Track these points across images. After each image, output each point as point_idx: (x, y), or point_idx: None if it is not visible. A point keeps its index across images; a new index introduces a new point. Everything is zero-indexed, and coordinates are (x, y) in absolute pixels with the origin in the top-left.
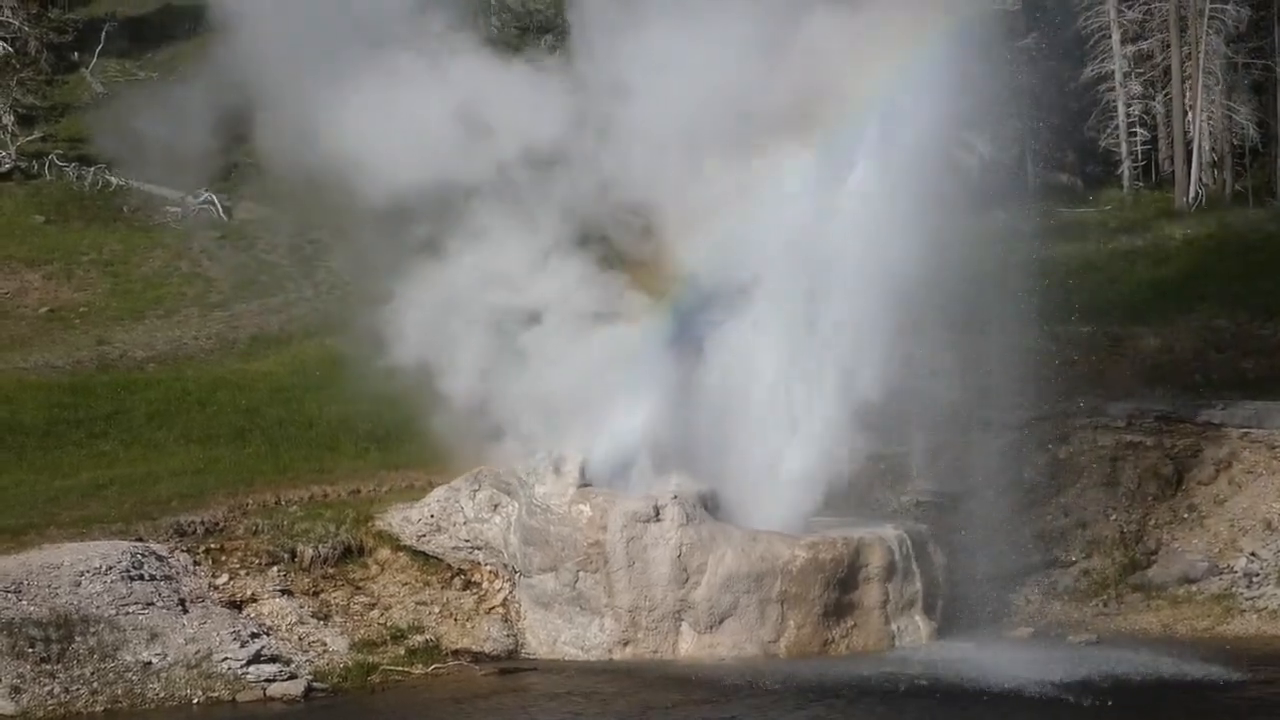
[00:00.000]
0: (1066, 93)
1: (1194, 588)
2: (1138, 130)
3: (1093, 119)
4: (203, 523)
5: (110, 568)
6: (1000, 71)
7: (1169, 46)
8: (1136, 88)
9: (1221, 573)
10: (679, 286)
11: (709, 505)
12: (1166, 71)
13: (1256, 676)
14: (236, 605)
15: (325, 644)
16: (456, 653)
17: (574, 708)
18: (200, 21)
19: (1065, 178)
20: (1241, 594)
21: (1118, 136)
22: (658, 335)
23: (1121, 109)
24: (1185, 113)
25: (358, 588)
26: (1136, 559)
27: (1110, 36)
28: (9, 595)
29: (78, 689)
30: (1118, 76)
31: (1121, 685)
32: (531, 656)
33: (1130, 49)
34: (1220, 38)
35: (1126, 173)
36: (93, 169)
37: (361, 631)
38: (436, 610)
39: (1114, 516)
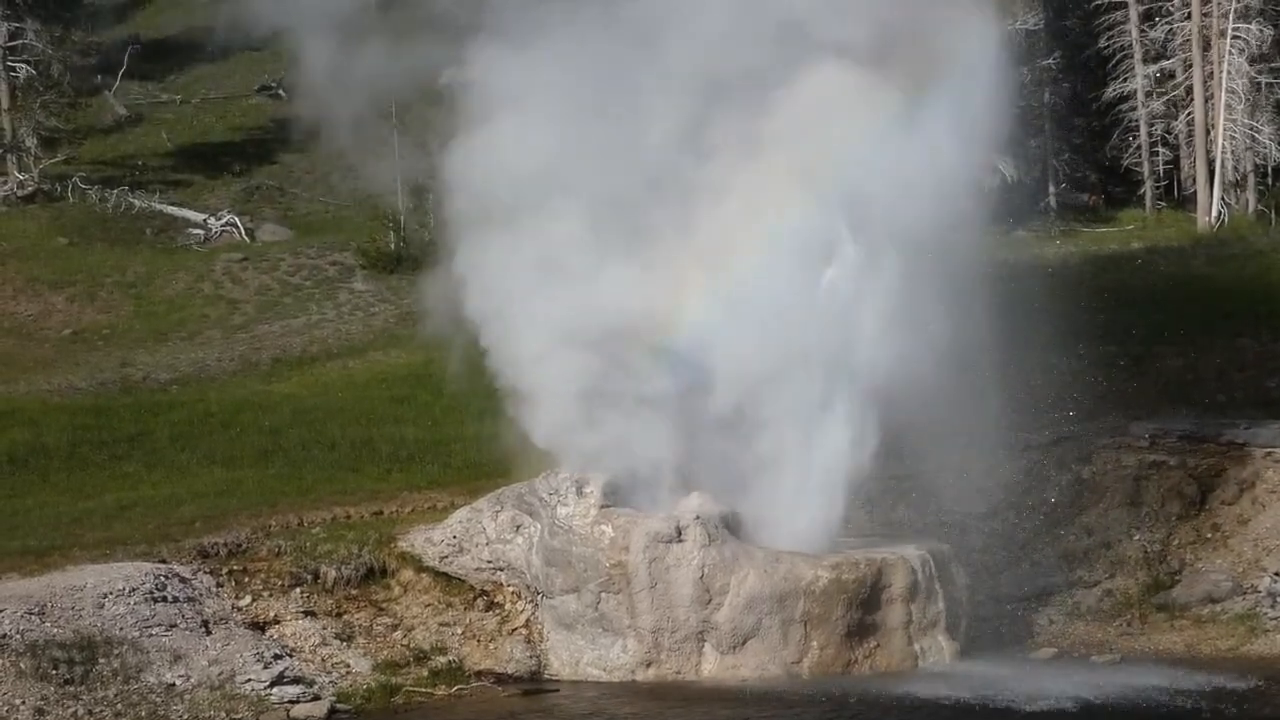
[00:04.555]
0: (1089, 112)
1: (1218, 607)
2: (1160, 150)
3: (1115, 138)
4: (226, 544)
5: (134, 589)
6: (1023, 91)
7: (1191, 66)
8: (1159, 107)
9: (1245, 592)
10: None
11: (731, 525)
12: (1189, 91)
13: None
14: (259, 627)
15: (348, 665)
16: (479, 674)
17: None
18: (222, 44)
19: (1087, 197)
20: (1266, 614)
21: (1140, 156)
22: (680, 355)
23: (1143, 128)
24: (1207, 132)
25: (380, 609)
26: (1160, 579)
27: (1132, 56)
28: (33, 617)
29: (101, 711)
30: (1140, 96)
31: (1145, 706)
32: (554, 677)
33: (1152, 68)
34: (1243, 57)
35: (1149, 192)
36: (115, 191)
37: (384, 653)
38: (459, 631)
39: (1137, 536)
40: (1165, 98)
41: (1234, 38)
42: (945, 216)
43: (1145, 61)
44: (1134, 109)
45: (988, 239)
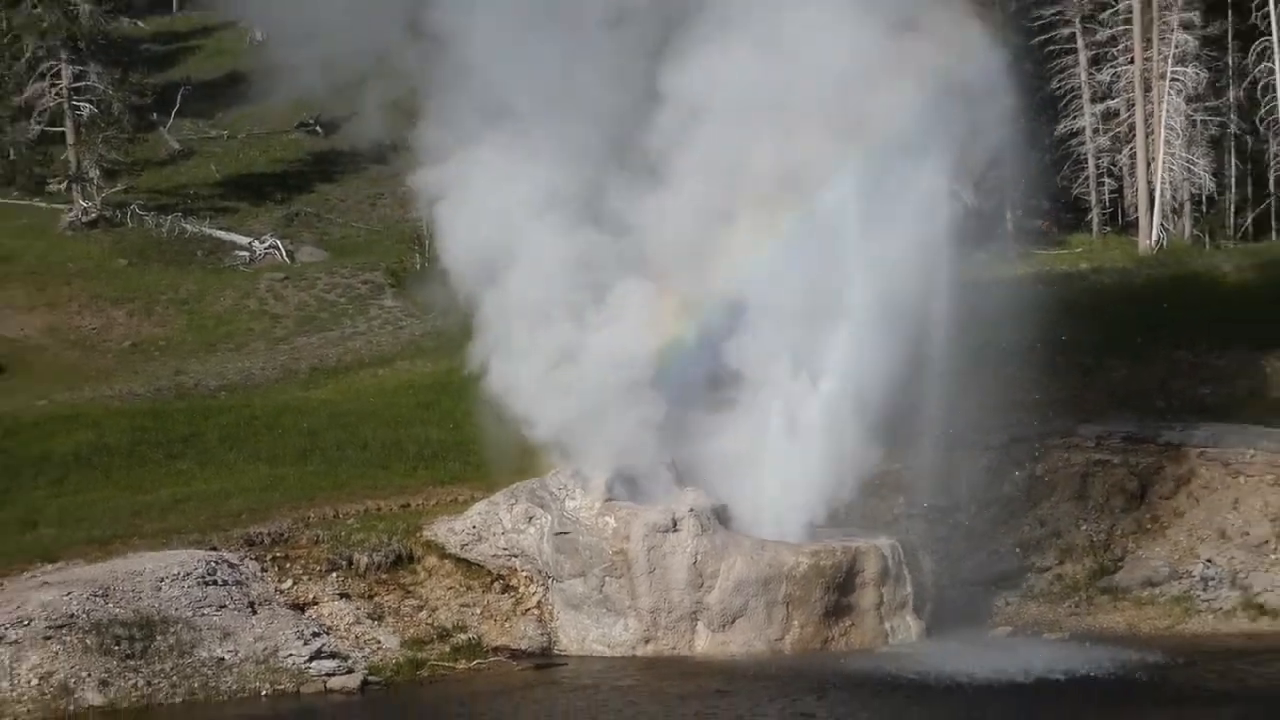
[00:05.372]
0: (1042, 146)
1: (1156, 590)
2: (1106, 180)
3: (1065, 170)
4: (269, 534)
5: (188, 574)
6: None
7: (1134, 105)
8: (1105, 142)
9: (1181, 577)
10: (699, 313)
11: (721, 517)
12: (1131, 128)
13: (1210, 669)
14: (299, 607)
15: (379, 642)
16: (496, 649)
17: (601, 698)
18: (265, 86)
19: (1041, 223)
20: (1199, 596)
21: (1088, 186)
22: (679, 360)
23: (1091, 161)
24: (1148, 164)
25: (408, 591)
26: (1104, 565)
27: (1081, 96)
28: (97, 599)
29: (159, 682)
30: (1088, 132)
31: (1090, 678)
32: (563, 653)
33: (1099, 107)
34: (1180, 97)
35: (1096, 218)
36: (169, 217)
37: (411, 631)
38: (478, 611)
39: (1084, 527)
40: (1110, 133)
41: (1172, 80)
42: (921, 239)
43: (1093, 101)
44: (1083, 144)
45: (956, 260)
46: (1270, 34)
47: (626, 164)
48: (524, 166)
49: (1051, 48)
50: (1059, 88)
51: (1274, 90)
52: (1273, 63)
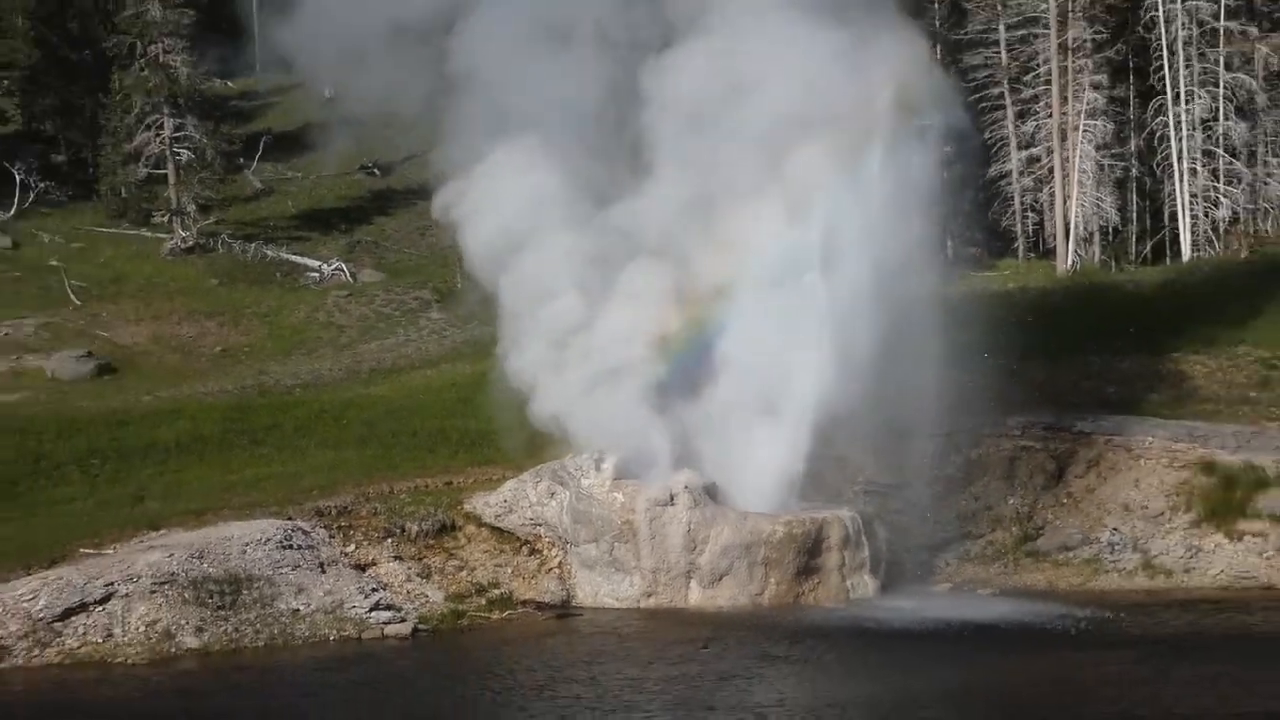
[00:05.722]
0: (976, 186)
1: (1071, 554)
2: (1029, 214)
3: (995, 205)
4: (335, 506)
5: (268, 539)
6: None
7: (1052, 152)
8: (1028, 182)
9: (1091, 543)
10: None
11: (711, 493)
12: (1051, 171)
13: (1115, 618)
14: (361, 567)
15: (427, 596)
16: (524, 602)
17: (611, 642)
18: (332, 135)
19: (975, 250)
20: (1106, 559)
21: (1014, 219)
22: (677, 359)
23: (1017, 198)
24: (1065, 201)
25: (450, 554)
26: (1028, 533)
27: (1009, 144)
28: (194, 560)
29: (244, 629)
30: (1014, 174)
31: (1016, 626)
32: (579, 605)
33: (1023, 154)
34: (1091, 145)
35: (1020, 246)
36: (253, 245)
37: (453, 587)
38: (509, 571)
39: (1011, 501)
40: (1033, 175)
41: (1084, 131)
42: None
43: (1019, 148)
44: (1010, 184)
45: (900, 282)
46: (1165, 94)
47: (619, 159)
48: (528, 166)
49: (984, 104)
50: (990, 137)
51: (1168, 140)
52: (1166, 117)
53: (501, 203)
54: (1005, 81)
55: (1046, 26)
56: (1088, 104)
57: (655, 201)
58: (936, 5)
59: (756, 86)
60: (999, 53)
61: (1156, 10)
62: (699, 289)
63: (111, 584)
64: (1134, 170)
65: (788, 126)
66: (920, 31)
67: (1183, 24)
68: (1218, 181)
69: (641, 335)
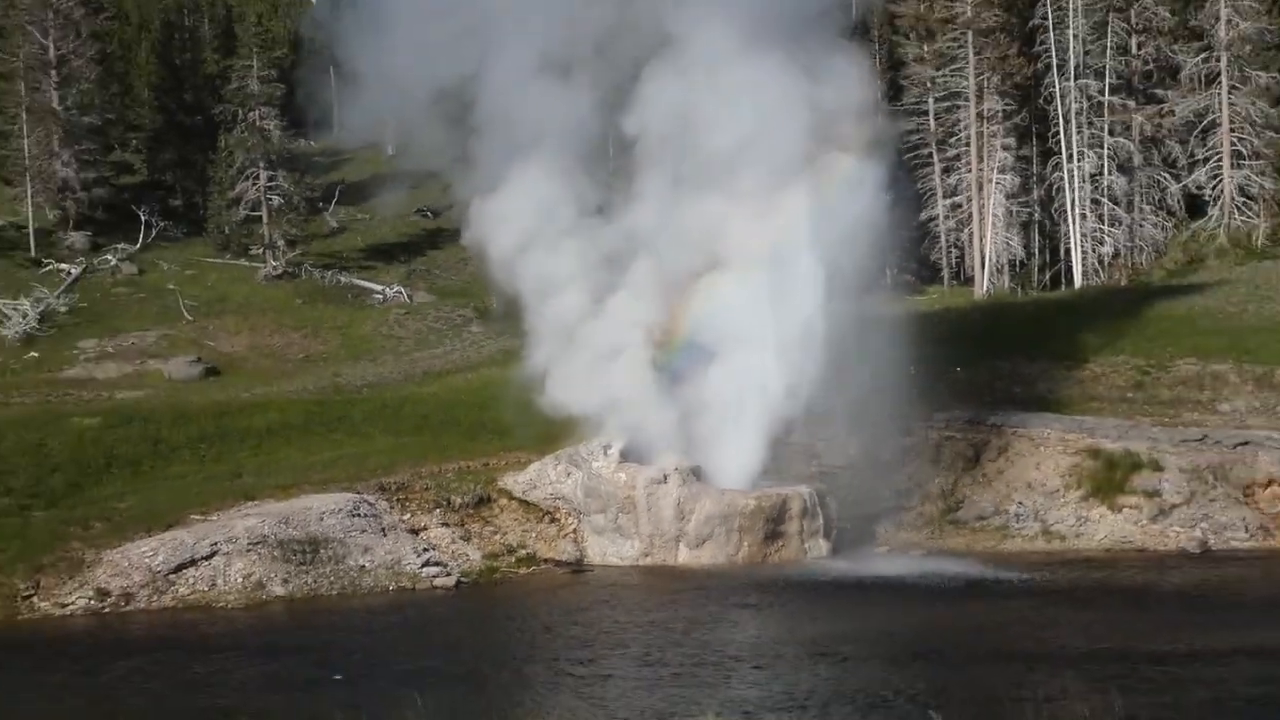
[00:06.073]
0: (910, 228)
1: (985, 522)
2: (953, 250)
3: (925, 242)
4: (394, 482)
5: (341, 509)
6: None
7: (971, 200)
8: (952, 224)
9: (1001, 514)
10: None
11: (697, 474)
12: (970, 215)
13: (1019, 574)
14: (415, 532)
15: (467, 555)
16: (545, 560)
17: (616, 591)
18: (394, 185)
19: (908, 278)
20: (1012, 526)
21: (940, 253)
22: (671, 360)
23: (943, 237)
24: (981, 240)
25: (487, 521)
26: (951, 506)
27: (936, 193)
28: (281, 525)
29: (321, 581)
30: (941, 217)
31: (941, 579)
32: (590, 563)
33: (948, 201)
34: (1002, 194)
35: (945, 275)
36: (330, 272)
37: (489, 547)
38: (534, 535)
39: (937, 480)
40: (955, 218)
41: (996, 183)
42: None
43: (944, 197)
44: (937, 225)
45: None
46: (1060, 154)
47: (611, 173)
48: (536, 183)
49: (916, 161)
50: (921, 187)
51: (1063, 191)
52: (1062, 173)
53: (516, 213)
54: (933, 143)
55: (967, 100)
56: (999, 162)
57: (641, 213)
58: (877, 81)
59: (716, 125)
60: (928, 120)
61: (1054, 88)
62: (681, 287)
63: (215, 544)
64: (1036, 215)
65: (749, 162)
66: (866, 76)
67: (1075, 99)
68: (1103, 224)
69: (637, 322)
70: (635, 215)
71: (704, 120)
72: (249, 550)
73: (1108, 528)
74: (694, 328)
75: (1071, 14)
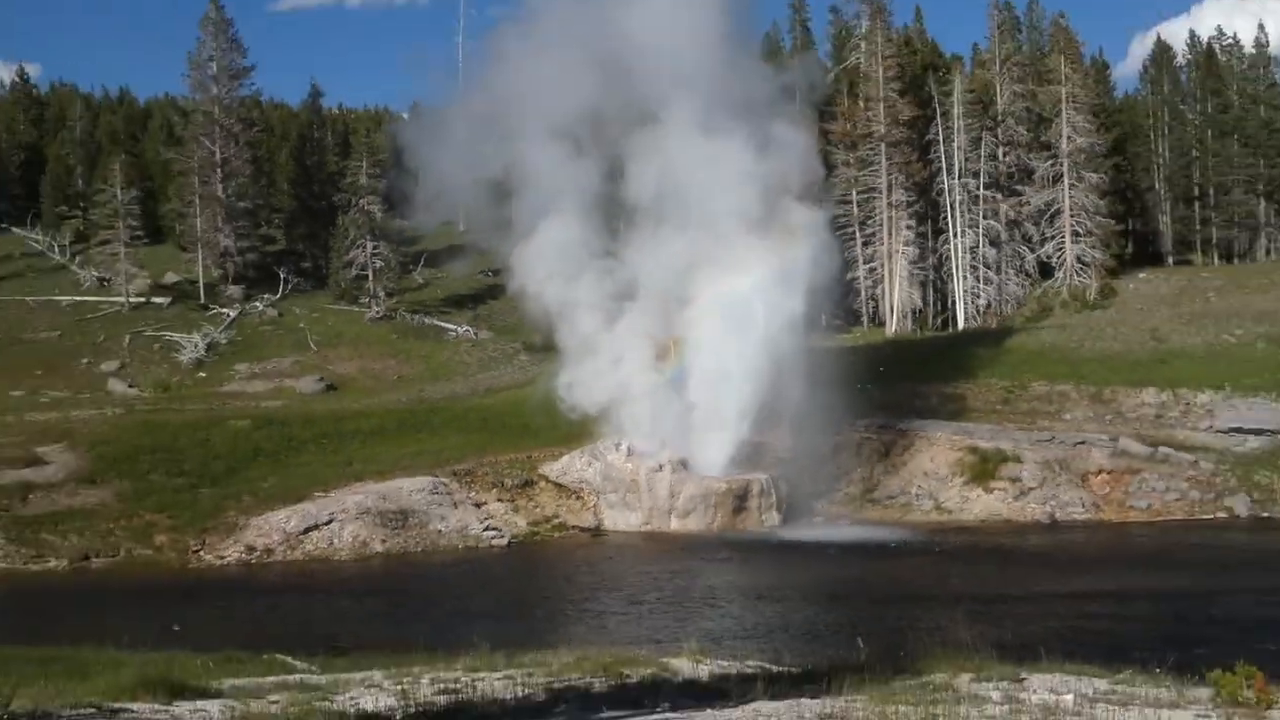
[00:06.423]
0: (839, 284)
1: (893, 500)
2: (870, 300)
3: (850, 295)
4: (464, 469)
5: (424, 488)
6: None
7: (883, 265)
8: (869, 282)
9: (905, 494)
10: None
11: (684, 464)
12: (882, 276)
13: (917, 539)
14: (478, 505)
15: (516, 523)
16: (572, 527)
17: (622, 550)
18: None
19: (838, 321)
20: (913, 503)
21: (861, 303)
22: (669, 376)
23: (863, 291)
24: (890, 293)
25: (530, 498)
26: (869, 488)
27: (858, 260)
28: (381, 499)
29: (409, 541)
30: (861, 277)
31: (864, 542)
32: (605, 529)
33: (866, 265)
34: (906, 261)
35: (865, 319)
36: (417, 316)
37: (531, 517)
38: (564, 508)
39: (859, 469)
40: (872, 278)
41: (901, 253)
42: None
43: (864, 263)
44: (859, 282)
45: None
46: (948, 231)
47: (618, 221)
48: (558, 231)
49: (844, 235)
50: (847, 254)
51: (950, 259)
52: (949, 245)
53: (543, 256)
54: (856, 224)
55: (880, 193)
56: (903, 237)
57: (637, 257)
58: (817, 164)
59: (687, 190)
60: (852, 207)
61: (943, 185)
62: (673, 315)
63: (332, 513)
64: (931, 276)
65: (712, 221)
66: (811, 153)
67: (958, 193)
68: (979, 283)
69: (639, 334)
70: (633, 257)
71: (676, 185)
72: (357, 518)
73: (982, 504)
74: (685, 353)
75: (955, 132)
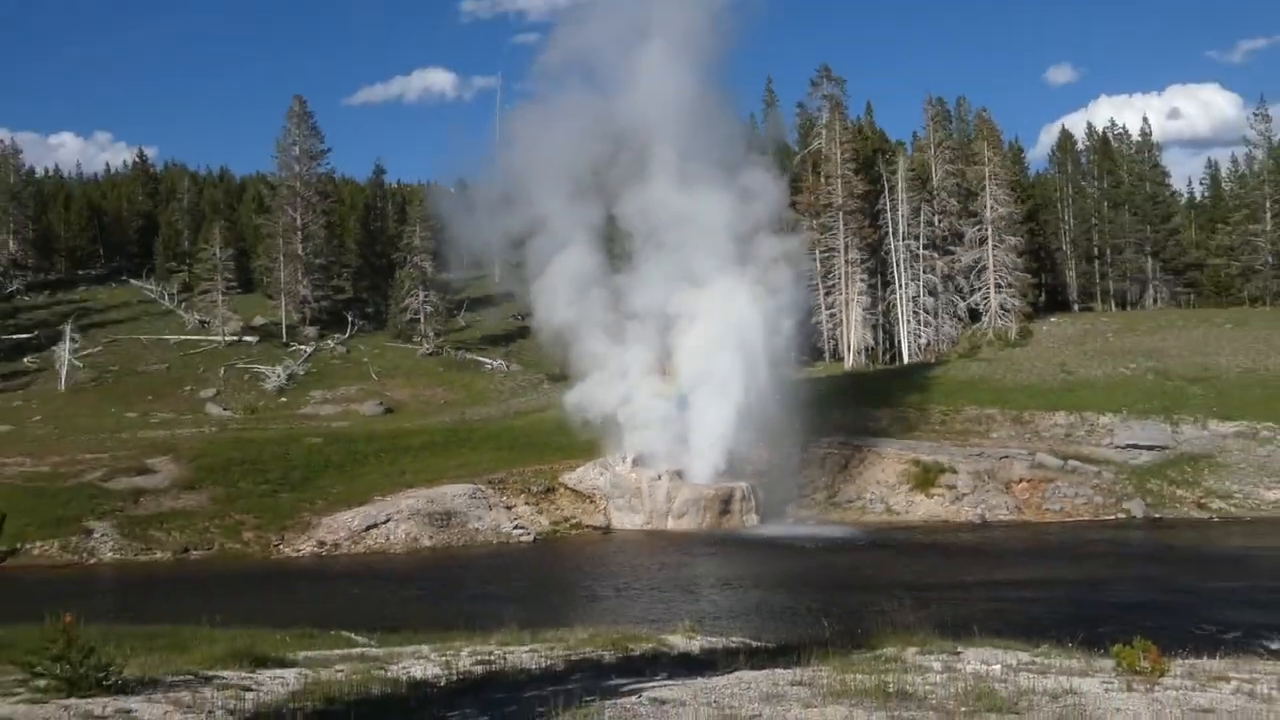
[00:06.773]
0: (806, 326)
1: (851, 504)
2: (831, 340)
3: (814, 335)
4: (498, 478)
5: (465, 494)
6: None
7: (841, 311)
8: (830, 325)
9: (861, 499)
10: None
11: (680, 474)
12: (841, 320)
13: (871, 537)
14: (509, 508)
15: (540, 522)
16: (586, 526)
17: (625, 546)
18: (499, 300)
19: (804, 357)
20: (869, 507)
21: (824, 342)
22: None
23: (825, 332)
24: (848, 334)
25: (552, 502)
26: (831, 494)
27: (821, 308)
28: (429, 503)
29: (452, 538)
30: (824, 320)
31: (826, 540)
32: (613, 528)
33: (827, 311)
34: (860, 308)
35: (827, 355)
36: (460, 352)
37: (552, 517)
38: (580, 510)
39: (823, 478)
40: (833, 321)
41: (856, 301)
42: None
43: (825, 309)
44: (821, 325)
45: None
46: (895, 284)
47: (620, 255)
48: (570, 264)
49: (809, 287)
50: (812, 302)
51: (896, 306)
52: (896, 296)
53: (555, 286)
54: (819, 277)
55: (839, 252)
56: (858, 288)
57: (634, 286)
58: (788, 210)
59: (673, 230)
60: (816, 263)
61: (890, 245)
62: (668, 341)
63: (389, 514)
64: (881, 320)
65: (695, 259)
66: (782, 198)
67: (903, 252)
68: (920, 326)
69: (645, 361)
70: (632, 287)
71: (664, 227)
72: (409, 518)
73: (925, 508)
74: (679, 379)
75: (900, 202)
